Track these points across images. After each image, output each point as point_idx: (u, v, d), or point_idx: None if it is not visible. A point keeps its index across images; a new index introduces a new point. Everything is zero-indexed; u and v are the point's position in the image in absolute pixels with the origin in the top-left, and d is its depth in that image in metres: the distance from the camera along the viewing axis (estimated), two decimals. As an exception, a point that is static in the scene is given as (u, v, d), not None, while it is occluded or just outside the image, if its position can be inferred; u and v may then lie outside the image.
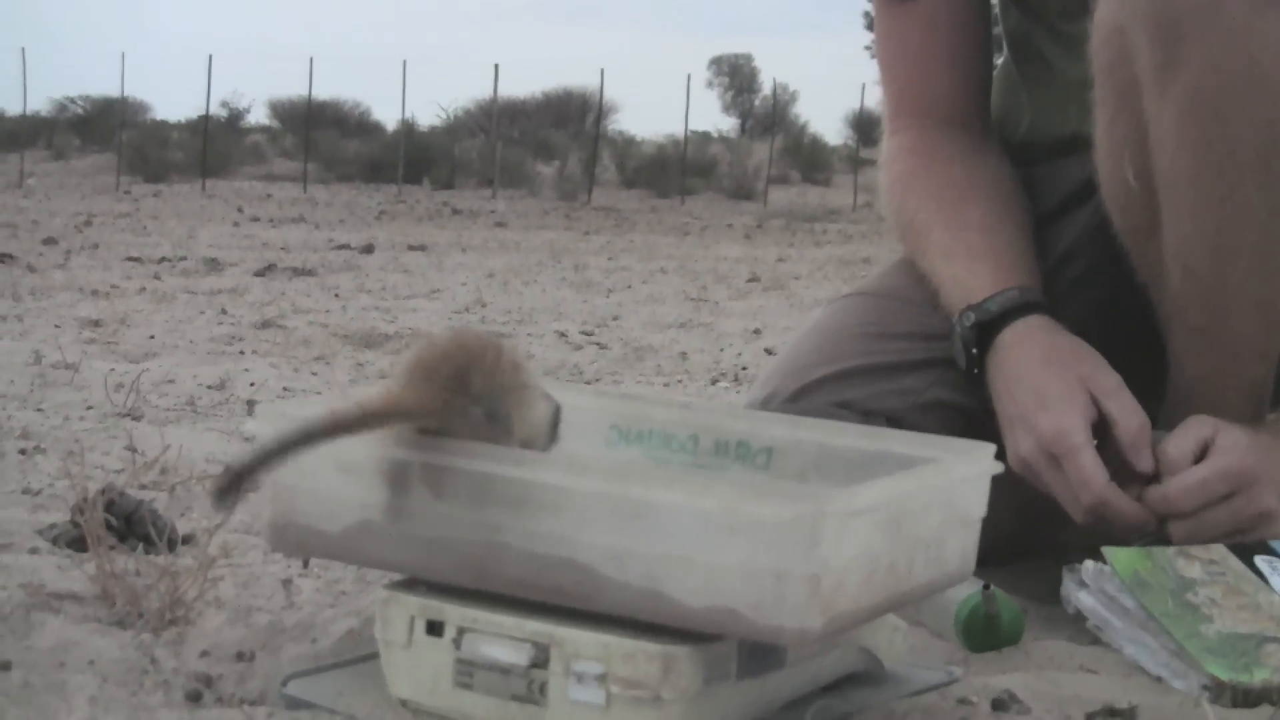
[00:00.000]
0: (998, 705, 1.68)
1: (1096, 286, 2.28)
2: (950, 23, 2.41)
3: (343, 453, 1.58)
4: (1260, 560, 1.94)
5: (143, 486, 2.67)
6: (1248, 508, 2.00)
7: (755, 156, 33.71)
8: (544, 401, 1.63)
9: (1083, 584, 1.93)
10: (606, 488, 1.50)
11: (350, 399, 1.74)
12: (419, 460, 1.55)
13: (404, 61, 30.67)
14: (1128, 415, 2.02)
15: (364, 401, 1.53)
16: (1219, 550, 1.95)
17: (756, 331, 6.63)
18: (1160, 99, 1.96)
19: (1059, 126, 2.40)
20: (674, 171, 29.96)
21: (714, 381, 4.96)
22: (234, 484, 1.49)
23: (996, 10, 2.49)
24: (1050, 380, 2.06)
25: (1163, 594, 1.86)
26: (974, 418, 2.19)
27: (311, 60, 32.60)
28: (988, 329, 2.15)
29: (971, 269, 2.21)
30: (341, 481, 1.60)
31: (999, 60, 2.52)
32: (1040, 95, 2.44)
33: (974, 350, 2.15)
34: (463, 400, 1.54)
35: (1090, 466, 1.99)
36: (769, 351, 5.77)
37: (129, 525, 2.22)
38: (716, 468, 1.85)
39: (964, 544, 1.67)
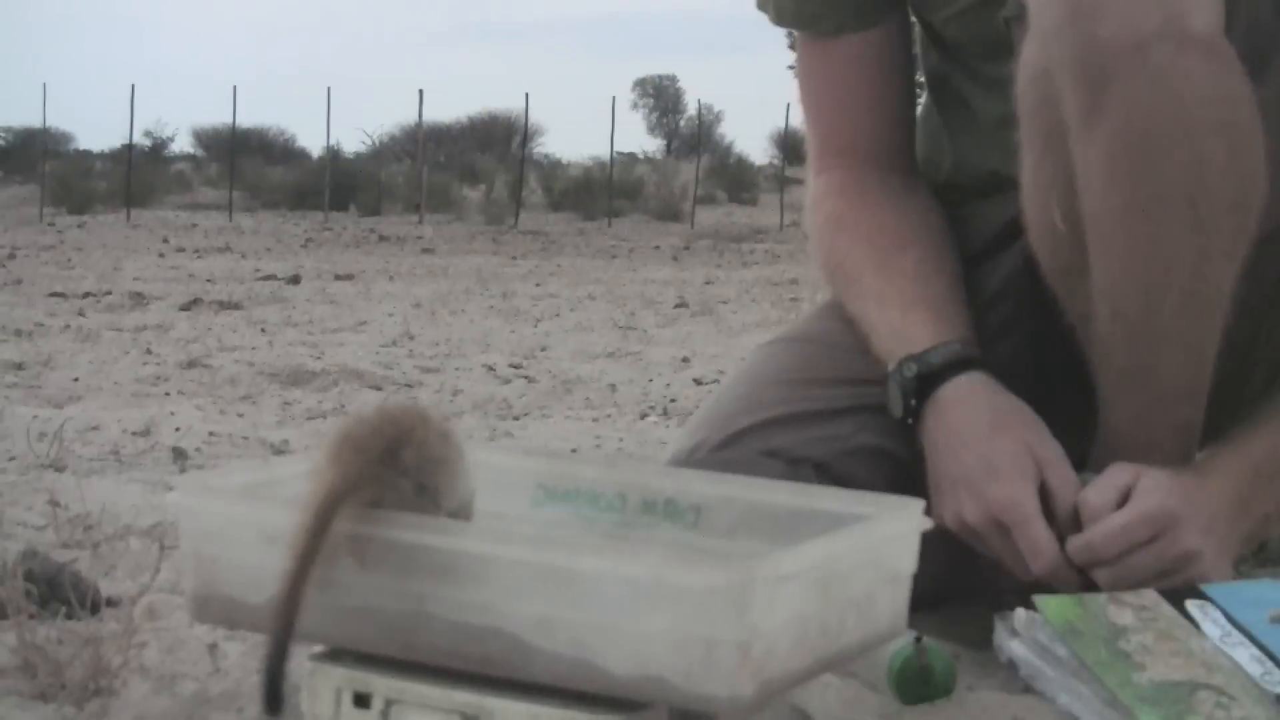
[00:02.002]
0: (931, 762, 1.67)
1: (1023, 329, 2.27)
2: (874, 62, 2.40)
3: (266, 523, 1.56)
4: (1191, 605, 1.93)
5: (65, 545, 2.63)
6: (1171, 549, 2.00)
7: (681, 177, 33.78)
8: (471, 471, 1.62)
9: (1015, 632, 1.92)
10: (532, 556, 1.48)
11: (274, 468, 1.72)
12: (343, 530, 1.53)
13: (328, 88, 30.59)
14: (1065, 490, 2.03)
15: (306, 506, 1.51)
16: (1150, 596, 1.94)
17: (685, 360, 6.63)
18: (1087, 141, 1.96)
19: (980, 167, 2.40)
20: (600, 194, 30.00)
21: (643, 416, 4.95)
22: (272, 690, 1.47)
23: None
24: (999, 447, 2.06)
25: (1095, 642, 1.85)
26: (901, 463, 2.19)
27: (235, 88, 32.53)
28: (928, 381, 2.15)
29: (907, 317, 2.21)
30: (265, 552, 1.57)
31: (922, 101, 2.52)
32: (961, 137, 2.44)
33: (913, 401, 2.15)
34: (393, 475, 1.53)
35: (1043, 537, 2.00)
36: (698, 381, 5.77)
37: (51, 589, 2.18)
38: (644, 526, 1.84)
39: (895, 601, 1.67)
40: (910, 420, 2.16)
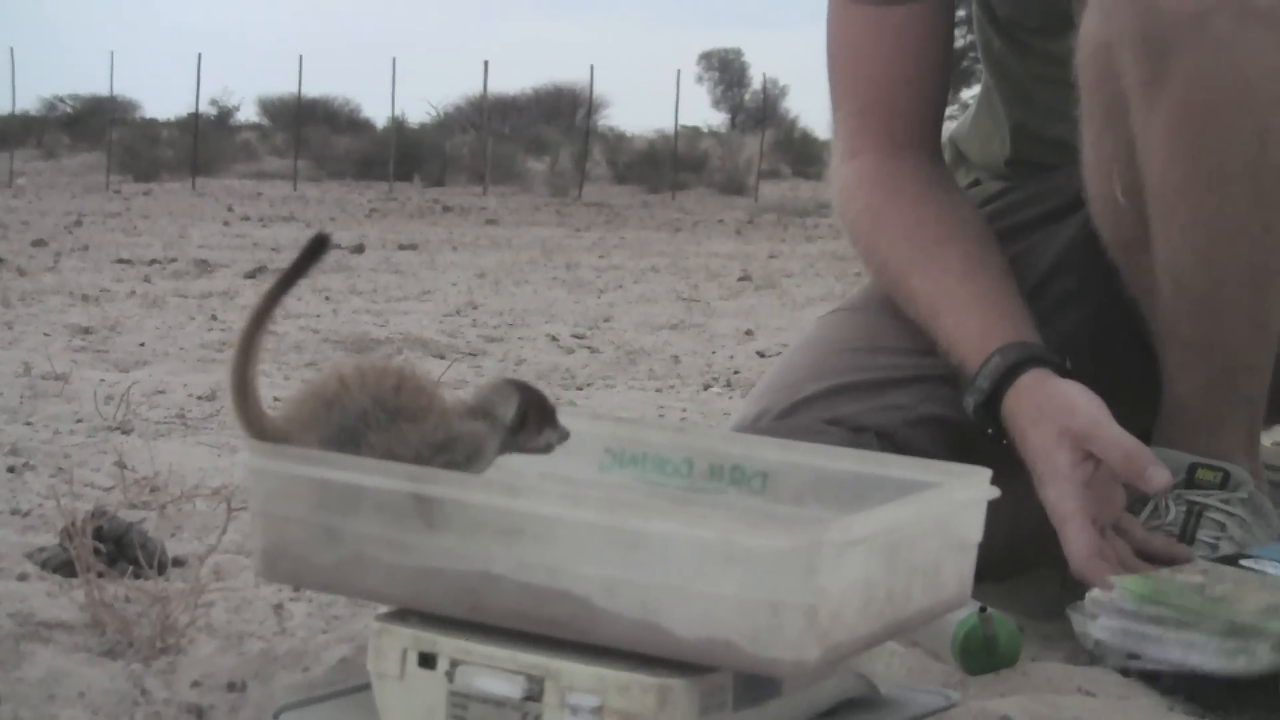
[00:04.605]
0: (996, 731, 1.67)
1: (1085, 302, 2.26)
2: (922, 36, 2.33)
3: (334, 482, 1.57)
4: (1245, 562, 1.94)
5: (133, 506, 2.65)
6: None
7: (746, 151, 33.69)
8: None
9: (1093, 615, 1.91)
10: (601, 518, 1.48)
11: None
12: (412, 491, 1.54)
13: (394, 58, 30.63)
14: (1109, 453, 1.99)
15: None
16: (1203, 564, 1.94)
17: (749, 333, 6.62)
18: (1148, 114, 1.95)
19: (1036, 142, 2.39)
20: (665, 167, 29.93)
21: (706, 387, 4.94)
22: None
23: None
24: (1035, 448, 2.04)
25: (1184, 597, 1.84)
26: (964, 433, 2.18)
27: (301, 57, 32.67)
28: (992, 402, 2.11)
29: (959, 328, 2.17)
30: (333, 512, 1.58)
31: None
32: (1016, 112, 2.43)
33: (989, 430, 2.12)
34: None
35: (1074, 540, 1.98)
36: (761, 354, 5.76)
37: (119, 548, 2.20)
38: (711, 492, 1.84)
39: (961, 569, 1.66)
40: (1004, 441, 2.12)
